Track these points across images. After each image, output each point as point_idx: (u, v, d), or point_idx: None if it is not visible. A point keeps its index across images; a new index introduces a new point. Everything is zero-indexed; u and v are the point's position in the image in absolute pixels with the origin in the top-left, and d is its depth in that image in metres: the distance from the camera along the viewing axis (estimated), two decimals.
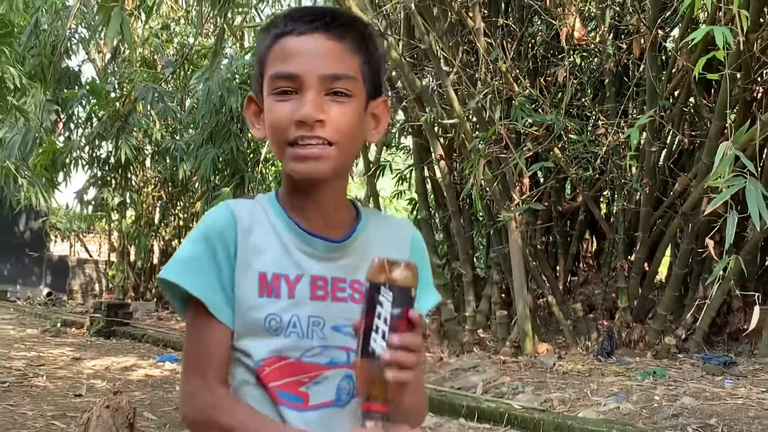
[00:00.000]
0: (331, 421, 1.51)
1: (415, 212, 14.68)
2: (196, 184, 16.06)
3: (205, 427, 1.50)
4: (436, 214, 12.01)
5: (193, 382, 1.52)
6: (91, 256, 21.24)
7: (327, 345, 1.52)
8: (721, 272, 5.80)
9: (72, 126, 15.96)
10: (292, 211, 1.57)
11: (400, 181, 13.79)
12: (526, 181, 9.71)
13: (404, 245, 1.63)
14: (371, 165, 13.57)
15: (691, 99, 9.75)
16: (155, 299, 17.83)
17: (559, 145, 9.40)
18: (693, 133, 9.78)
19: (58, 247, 22.15)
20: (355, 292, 1.54)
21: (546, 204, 10.56)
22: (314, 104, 1.47)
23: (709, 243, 5.39)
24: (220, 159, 13.71)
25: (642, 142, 9.04)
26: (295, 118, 1.47)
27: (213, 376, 1.50)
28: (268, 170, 16.59)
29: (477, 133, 9.44)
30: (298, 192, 1.56)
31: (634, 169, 9.60)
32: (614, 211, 10.39)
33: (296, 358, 1.50)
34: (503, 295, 10.88)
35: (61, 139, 15.82)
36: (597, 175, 9.82)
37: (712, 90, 9.78)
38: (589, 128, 9.56)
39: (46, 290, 20.02)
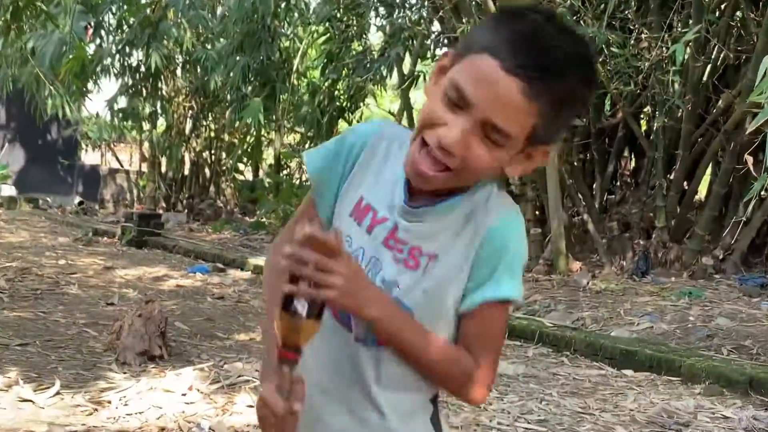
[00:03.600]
0: (353, 353, 1.60)
1: None
2: (227, 95, 16.03)
3: (264, 279, 1.78)
4: None
5: (279, 238, 1.80)
6: (122, 165, 21.36)
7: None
8: (762, 191, 5.72)
9: (102, 33, 15.91)
10: None
11: None
12: None
13: (475, 239, 1.56)
14: (405, 77, 13.46)
15: (738, 13, 9.52)
16: (186, 210, 17.99)
17: (600, 59, 9.25)
18: (739, 48, 9.55)
19: (89, 157, 22.30)
20: (411, 258, 1.57)
21: (584, 120, 10.44)
22: (461, 139, 1.45)
23: (748, 159, 5.28)
24: (251, 68, 13.64)
25: (686, 57, 8.87)
26: (438, 135, 1.46)
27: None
28: (300, 82, 16.50)
29: None
30: None
31: (676, 85, 9.45)
32: (655, 128, 10.26)
33: None
34: (537, 212, 10.87)
35: (92, 46, 15.79)
36: (638, 91, 9.67)
37: (761, 3, 9.52)
38: (632, 42, 9.38)
39: (77, 199, 20.24)
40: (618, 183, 11.62)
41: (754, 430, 4.66)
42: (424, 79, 13.31)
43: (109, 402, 4.45)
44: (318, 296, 1.42)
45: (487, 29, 1.48)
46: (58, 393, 4.57)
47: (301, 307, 1.42)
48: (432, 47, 12.75)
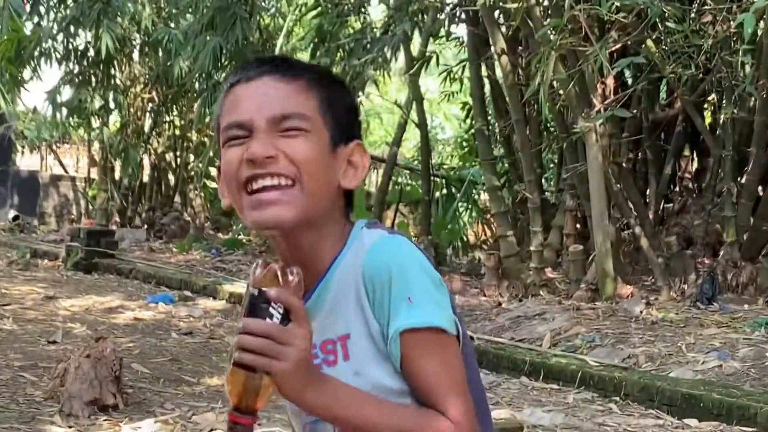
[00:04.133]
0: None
1: (469, 120, 14.60)
2: (195, 83, 16.04)
3: None
4: (496, 123, 11.91)
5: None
6: (66, 171, 21.39)
7: (315, 419, 1.74)
8: None
9: (42, 9, 15.94)
10: None
11: (449, 80, 13.66)
12: (610, 81, 9.60)
13: (359, 289, 1.71)
14: (414, 60, 13.47)
15: None
16: (146, 226, 17.98)
17: (654, 37, 9.26)
18: None
19: (26, 161, 22.32)
20: (329, 354, 1.73)
21: (635, 111, 10.44)
22: (263, 142, 1.67)
23: None
24: (224, 51, 13.66)
25: (759, 32, 8.87)
26: (244, 157, 1.67)
27: None
28: None
29: (548, 20, 9.31)
30: (271, 244, 1.78)
31: (748, 67, 9.45)
32: (721, 120, 10.25)
33: None
34: (578, 225, 10.86)
35: (29, 25, 15.82)
36: (701, 75, 9.67)
37: None
38: (692, 15, 9.39)
39: (11, 213, 20.21)
40: (677, 188, 11.61)
41: None
42: (437, 61, 13.32)
43: None
44: (270, 368, 1.50)
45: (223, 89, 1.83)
46: None
47: None
48: (446, 23, 12.75)
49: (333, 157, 1.74)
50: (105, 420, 5.26)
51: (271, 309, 1.50)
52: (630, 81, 10.50)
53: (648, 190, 11.37)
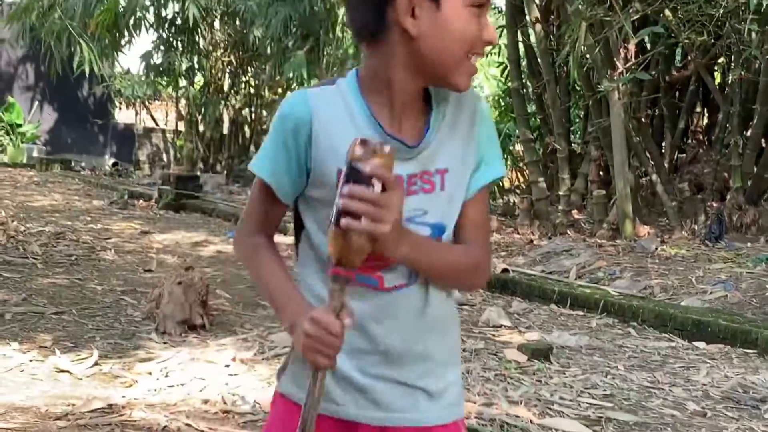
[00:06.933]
0: (401, 301, 1.73)
1: (505, 80, 14.49)
2: (267, 48, 16.06)
3: (245, 261, 1.98)
4: (529, 83, 11.82)
5: (245, 230, 1.98)
6: (157, 124, 21.52)
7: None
8: None
9: None
10: (375, 104, 1.70)
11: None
12: (632, 47, 9.47)
13: (474, 119, 1.76)
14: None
15: None
16: (225, 172, 18.09)
17: (671, 6, 9.11)
18: None
19: (122, 115, 22.51)
20: (425, 183, 1.71)
21: (653, 73, 10.30)
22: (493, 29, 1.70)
23: None
24: (293, 19, 13.64)
25: (765, 2, 8.69)
26: (487, 38, 1.66)
27: (263, 231, 1.96)
28: (345, 33, 16.45)
29: None
30: (390, 91, 1.69)
31: (754, 34, 9.28)
32: (730, 80, 10.09)
33: None
34: (601, 172, 10.79)
35: None
36: (712, 41, 9.51)
37: None
38: None
39: (111, 160, 20.44)
40: (689, 141, 11.48)
41: None
42: None
43: (150, 373, 4.52)
44: (375, 230, 1.51)
45: None
46: (96, 363, 4.64)
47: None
48: None
49: None
50: (194, 337, 5.34)
51: (372, 180, 1.50)
52: (649, 46, 10.35)
53: (664, 143, 11.25)
